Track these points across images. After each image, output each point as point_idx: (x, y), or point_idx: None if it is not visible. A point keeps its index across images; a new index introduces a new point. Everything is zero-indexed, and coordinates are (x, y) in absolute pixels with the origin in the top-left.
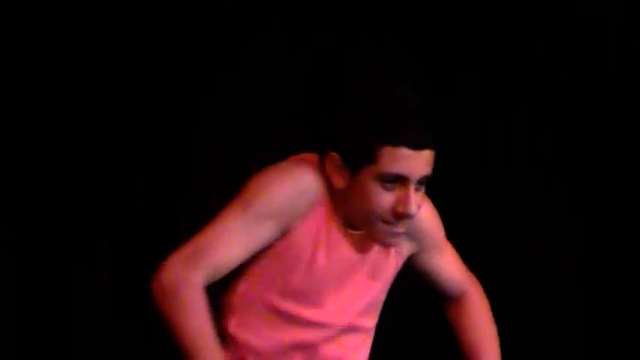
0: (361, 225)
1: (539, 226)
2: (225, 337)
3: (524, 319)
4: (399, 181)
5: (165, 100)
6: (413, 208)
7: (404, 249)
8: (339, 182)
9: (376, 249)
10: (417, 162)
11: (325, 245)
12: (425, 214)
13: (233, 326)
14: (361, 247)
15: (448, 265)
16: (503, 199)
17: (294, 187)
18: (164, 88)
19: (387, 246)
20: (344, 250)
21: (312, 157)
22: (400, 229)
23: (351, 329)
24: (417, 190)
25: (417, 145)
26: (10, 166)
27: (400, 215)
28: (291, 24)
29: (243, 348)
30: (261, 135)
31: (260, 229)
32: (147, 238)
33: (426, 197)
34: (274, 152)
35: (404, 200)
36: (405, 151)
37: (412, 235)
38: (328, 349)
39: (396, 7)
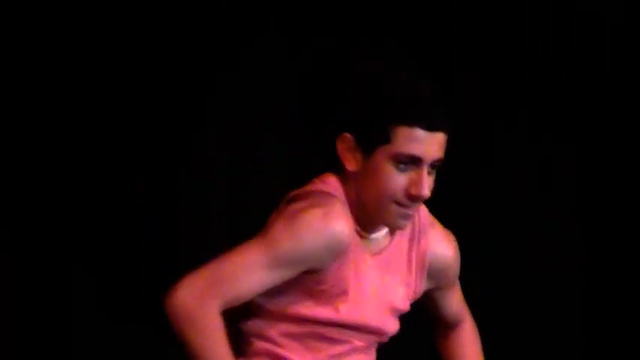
0: (373, 210)
1: (540, 227)
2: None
3: (525, 319)
4: (412, 162)
5: (165, 100)
6: (426, 191)
7: (419, 287)
8: (352, 164)
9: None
10: (432, 143)
11: (362, 265)
12: (451, 251)
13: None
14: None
15: (454, 301)
16: (504, 199)
17: (326, 241)
18: (164, 88)
19: (397, 228)
20: (372, 270)
21: (334, 181)
22: (411, 211)
23: (376, 332)
24: (429, 173)
25: (432, 127)
26: (10, 166)
27: (413, 197)
28: (291, 24)
29: None
30: (261, 135)
31: (280, 273)
32: (147, 238)
33: (451, 234)
34: (274, 152)
35: (417, 182)
36: (420, 132)
37: (433, 274)
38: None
39: (396, 7)
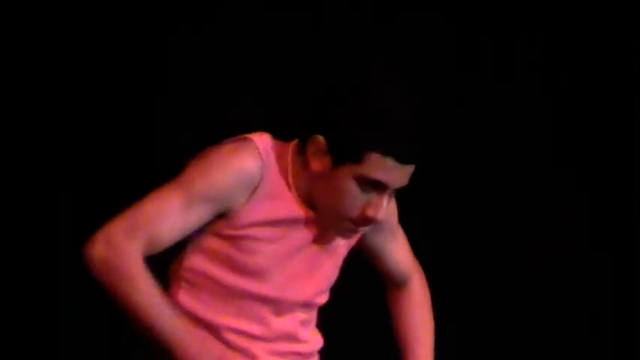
0: (324, 213)
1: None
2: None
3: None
4: (376, 186)
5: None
6: (381, 216)
7: None
8: (317, 166)
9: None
10: (400, 174)
11: (281, 225)
12: None
13: (181, 298)
14: (317, 226)
15: (398, 250)
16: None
17: (235, 175)
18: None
19: (342, 238)
20: (300, 229)
21: (261, 137)
22: (362, 230)
23: (304, 305)
24: (389, 196)
25: (405, 160)
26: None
27: (368, 219)
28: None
29: (193, 319)
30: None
31: (196, 212)
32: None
33: None
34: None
35: (376, 206)
36: (391, 163)
37: None
38: (279, 323)
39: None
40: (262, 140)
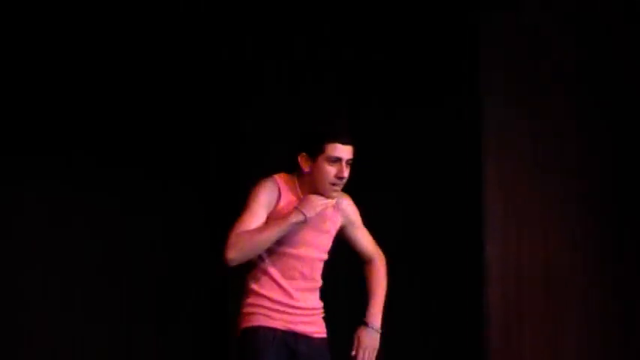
0: (319, 186)
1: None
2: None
3: None
4: (336, 161)
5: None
6: (345, 174)
7: (341, 218)
8: (306, 167)
9: (329, 209)
10: (345, 151)
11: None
12: (349, 204)
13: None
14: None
15: (363, 239)
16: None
17: (266, 193)
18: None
19: (331, 198)
20: (319, 223)
21: (280, 175)
22: (338, 188)
23: (315, 259)
24: (346, 165)
25: (344, 142)
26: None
27: (339, 178)
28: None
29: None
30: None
31: (258, 215)
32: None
33: (348, 197)
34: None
35: (340, 169)
36: (339, 145)
37: (344, 214)
38: (304, 270)
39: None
40: (279, 176)
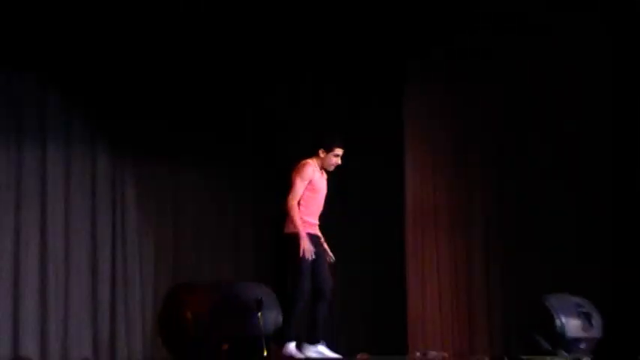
0: (327, 167)
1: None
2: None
3: None
4: (337, 155)
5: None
6: (339, 162)
7: (325, 178)
8: (323, 155)
9: (323, 174)
10: (341, 151)
11: (321, 179)
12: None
13: (300, 209)
14: (326, 177)
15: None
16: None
17: (309, 170)
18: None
19: (329, 170)
20: (324, 180)
21: (312, 158)
22: (333, 168)
23: (324, 197)
24: (340, 158)
25: (342, 147)
26: None
27: (337, 163)
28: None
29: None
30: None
31: (305, 183)
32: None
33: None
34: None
35: (337, 159)
36: (339, 148)
37: (325, 178)
38: (321, 205)
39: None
40: (312, 160)
